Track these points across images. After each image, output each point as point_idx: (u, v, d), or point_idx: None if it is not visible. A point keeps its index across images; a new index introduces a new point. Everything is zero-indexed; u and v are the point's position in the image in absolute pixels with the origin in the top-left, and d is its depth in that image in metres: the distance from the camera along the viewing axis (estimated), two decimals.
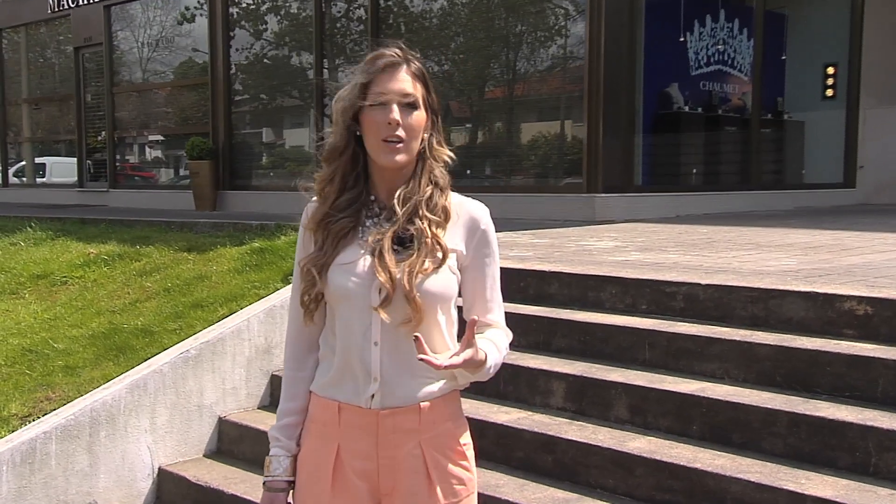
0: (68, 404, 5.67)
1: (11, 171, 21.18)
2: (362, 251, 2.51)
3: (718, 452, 4.36)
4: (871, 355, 4.42)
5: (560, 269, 6.08)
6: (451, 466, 2.59)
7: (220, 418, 6.04)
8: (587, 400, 4.99)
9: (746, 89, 13.22)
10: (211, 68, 15.45)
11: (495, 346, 2.60)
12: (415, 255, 2.46)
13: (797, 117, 14.29)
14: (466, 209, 2.61)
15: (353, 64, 2.59)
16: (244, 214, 12.41)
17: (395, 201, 2.51)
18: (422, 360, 2.30)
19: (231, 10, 15.29)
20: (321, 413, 2.61)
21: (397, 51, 2.53)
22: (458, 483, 2.59)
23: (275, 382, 6.15)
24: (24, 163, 21.20)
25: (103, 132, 18.11)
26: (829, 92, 14.26)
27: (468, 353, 2.36)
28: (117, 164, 18.13)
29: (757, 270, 5.85)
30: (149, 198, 16.65)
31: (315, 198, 2.62)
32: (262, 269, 7.42)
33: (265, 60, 15.31)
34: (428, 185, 2.55)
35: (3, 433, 5.60)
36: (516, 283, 6.14)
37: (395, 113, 2.46)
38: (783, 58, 13.90)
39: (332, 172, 2.57)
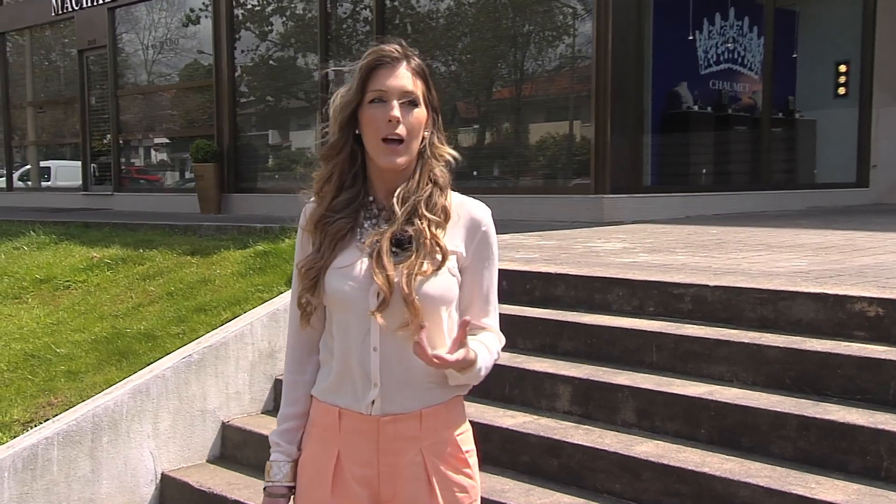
0: (70, 410, 5.64)
1: (16, 175, 21.17)
2: (360, 253, 2.47)
3: (727, 456, 4.31)
4: (883, 357, 4.36)
5: (566, 271, 6.03)
6: (453, 474, 2.54)
7: (223, 423, 6.00)
8: (594, 403, 4.95)
9: (757, 88, 13.13)
10: (215, 70, 15.42)
11: (486, 348, 2.51)
12: (413, 257, 2.41)
13: (809, 116, 14.19)
14: (467, 209, 2.56)
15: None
16: (249, 217, 12.39)
17: (394, 201, 2.46)
18: (416, 348, 2.27)
19: (236, 11, 15.26)
20: (322, 418, 2.57)
21: (397, 47, 2.48)
22: (461, 491, 2.55)
23: (278, 387, 6.11)
24: (28, 167, 21.18)
25: (108, 135, 18.08)
26: (842, 90, 14.16)
27: (460, 353, 2.31)
28: (122, 167, 18.11)
29: (767, 271, 5.80)
30: (154, 201, 16.63)
31: (313, 198, 2.57)
32: (266, 273, 7.39)
33: (270, 62, 15.27)
34: (427, 185, 2.49)
35: (4, 439, 5.57)
36: (522, 286, 6.11)
37: (396, 110, 2.41)
38: (794, 56, 13.81)
39: (329, 171, 2.52)
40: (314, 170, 2.57)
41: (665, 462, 4.29)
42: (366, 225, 2.51)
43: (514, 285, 6.11)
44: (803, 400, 4.43)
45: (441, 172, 2.53)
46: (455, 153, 2.57)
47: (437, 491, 2.50)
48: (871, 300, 4.69)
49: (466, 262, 2.54)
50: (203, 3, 15.85)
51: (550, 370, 5.18)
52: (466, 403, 2.72)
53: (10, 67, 21.09)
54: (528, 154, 12.19)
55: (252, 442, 5.77)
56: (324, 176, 2.53)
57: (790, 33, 13.72)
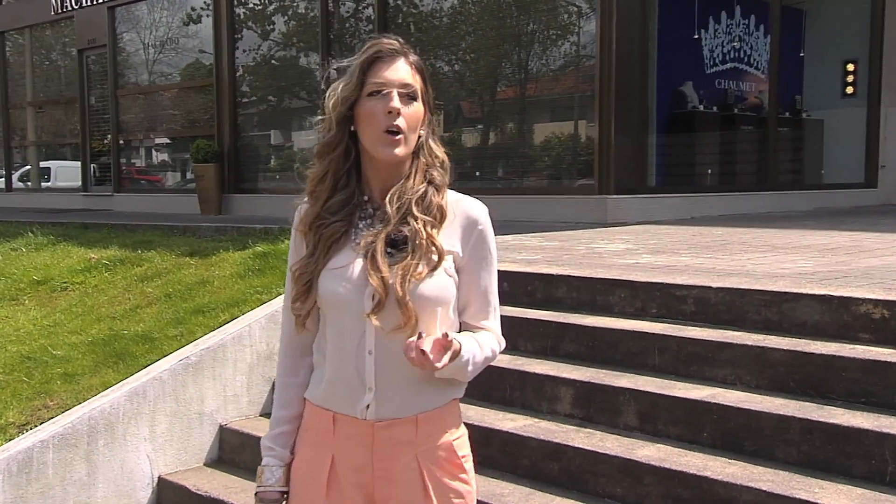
0: (66, 412, 5.59)
1: (16, 175, 21.13)
2: (355, 255, 2.43)
3: (729, 460, 4.27)
4: (888, 360, 4.32)
5: (568, 273, 5.99)
6: (448, 480, 2.50)
7: (221, 426, 5.95)
8: (595, 406, 4.91)
9: (763, 87, 13.08)
10: (216, 70, 15.38)
11: (477, 342, 2.46)
12: (409, 258, 2.37)
13: (816, 115, 14.13)
14: (463, 208, 2.51)
15: None
16: (249, 218, 12.35)
17: (389, 200, 2.42)
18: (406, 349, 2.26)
19: (237, 10, 15.22)
20: (315, 422, 2.53)
21: (396, 41, 2.46)
22: (457, 497, 2.51)
23: None
24: (28, 167, 21.15)
25: (108, 136, 18.04)
26: (850, 89, 14.10)
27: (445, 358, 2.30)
28: (122, 167, 18.07)
29: (771, 273, 5.75)
30: (154, 202, 16.60)
31: (306, 198, 2.53)
32: (265, 274, 7.36)
33: (272, 61, 15.24)
34: (422, 183, 2.46)
35: (0, 442, 5.51)
36: (523, 287, 6.07)
37: (396, 101, 2.38)
38: (801, 54, 13.76)
39: (324, 169, 2.48)
40: (308, 167, 2.53)
41: (667, 466, 4.25)
42: (360, 225, 2.47)
43: (516, 287, 6.07)
44: (807, 403, 4.39)
45: (437, 172, 2.49)
46: (445, 156, 2.53)
47: (433, 496, 2.46)
48: (877, 302, 4.63)
49: (463, 262, 2.49)
50: (204, 2, 15.81)
51: (551, 373, 5.14)
52: (466, 406, 2.68)
53: (9, 67, 21.05)
54: (531, 154, 12.14)
55: (250, 445, 5.72)
56: (318, 175, 2.49)
57: (797, 32, 13.65)
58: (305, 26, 14.55)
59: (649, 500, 4.27)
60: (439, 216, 2.44)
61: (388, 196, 2.43)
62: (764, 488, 3.93)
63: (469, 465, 2.57)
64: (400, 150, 2.40)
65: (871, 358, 4.37)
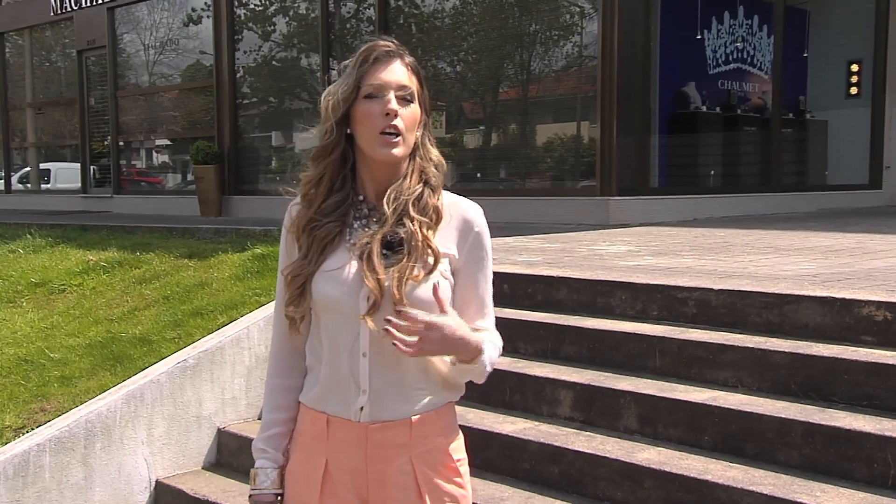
0: (63, 416, 5.57)
1: (15, 177, 21.10)
2: (349, 256, 2.40)
3: (730, 464, 4.25)
4: (891, 363, 4.29)
5: (569, 275, 5.96)
6: (443, 483, 2.47)
7: (219, 429, 5.92)
8: (595, 409, 4.88)
9: (767, 88, 13.03)
10: (216, 71, 15.35)
11: (492, 343, 2.47)
12: (405, 260, 2.35)
13: (820, 116, 14.07)
14: (459, 210, 2.49)
15: None
16: (249, 220, 12.33)
17: (386, 200, 2.40)
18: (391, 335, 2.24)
19: (237, 11, 15.19)
20: (309, 425, 2.51)
21: (392, 42, 2.44)
22: (451, 500, 2.49)
23: None
24: (28, 169, 21.12)
25: (107, 137, 18.00)
26: (854, 90, 14.03)
27: (447, 319, 2.30)
28: (122, 169, 18.04)
29: (773, 275, 5.72)
30: (154, 204, 16.56)
31: (298, 198, 2.51)
32: (264, 276, 7.33)
33: (272, 62, 15.20)
34: (419, 184, 2.43)
35: None
36: (524, 289, 6.04)
37: (393, 102, 2.36)
38: (805, 55, 13.70)
39: (320, 173, 2.45)
40: (301, 170, 2.51)
41: (667, 469, 4.22)
42: (355, 225, 2.45)
43: (516, 289, 6.04)
44: (809, 406, 4.36)
45: (433, 173, 2.47)
46: (441, 157, 2.52)
47: (427, 500, 2.44)
48: (880, 304, 4.60)
49: (459, 265, 2.47)
50: (205, 3, 15.78)
51: (552, 375, 5.11)
52: (466, 409, 2.66)
53: (9, 68, 21.03)
54: (533, 155, 12.11)
55: (248, 449, 5.62)
56: (313, 178, 2.47)
57: (801, 32, 13.60)
58: (306, 27, 14.52)
59: None
60: (435, 217, 2.42)
61: (385, 196, 2.41)
62: (765, 492, 3.90)
63: (465, 468, 2.55)
64: (398, 151, 2.38)
65: (873, 360, 4.34)
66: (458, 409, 2.58)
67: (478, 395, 4.91)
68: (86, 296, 8.12)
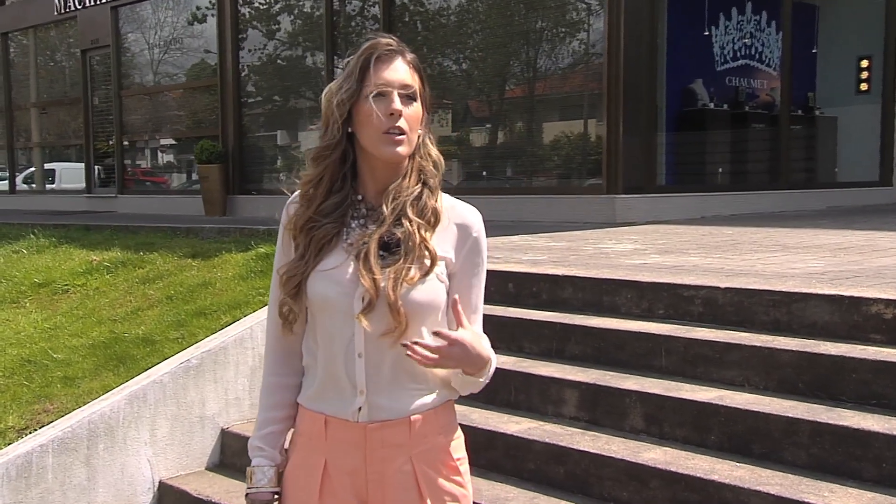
0: (66, 416, 5.55)
1: (20, 177, 21.10)
2: (346, 255, 2.39)
3: (737, 464, 4.22)
4: None
5: (574, 273, 5.93)
6: (443, 482, 2.46)
7: (222, 430, 5.90)
8: (601, 409, 4.85)
9: (775, 84, 12.99)
10: (220, 70, 15.34)
11: (492, 353, 2.46)
12: (401, 261, 2.33)
13: (829, 113, 14.03)
14: (458, 213, 2.48)
15: None
16: (254, 219, 12.31)
17: (385, 199, 2.38)
18: (410, 350, 2.25)
19: (242, 10, 15.18)
20: (308, 426, 2.50)
21: (393, 40, 2.42)
22: (452, 500, 2.48)
23: None
24: (33, 169, 21.12)
25: (112, 137, 17.99)
26: (864, 86, 13.97)
27: (466, 334, 2.30)
28: (127, 169, 18.03)
29: (781, 273, 5.69)
30: (158, 203, 16.55)
31: (296, 194, 2.49)
32: (268, 276, 7.24)
33: (277, 61, 15.19)
34: (417, 184, 2.42)
35: None
36: (529, 288, 6.01)
37: (397, 102, 2.34)
38: (814, 51, 13.67)
39: (320, 173, 2.44)
40: (301, 169, 2.48)
41: (673, 469, 4.19)
42: (353, 225, 2.43)
43: (521, 288, 6.01)
44: (817, 405, 4.32)
45: (432, 173, 2.45)
46: (440, 156, 2.50)
47: (427, 500, 2.43)
48: (889, 302, 4.57)
49: (455, 269, 2.46)
50: (209, 2, 15.78)
51: (557, 375, 5.08)
52: (470, 409, 2.63)
53: (13, 68, 21.02)
54: (539, 153, 12.07)
55: None
56: (314, 178, 2.45)
57: (810, 28, 13.55)
58: (311, 25, 14.49)
59: None
60: (433, 219, 2.41)
61: (385, 195, 2.39)
62: (772, 492, 3.87)
63: (465, 467, 2.54)
64: (403, 149, 2.37)
65: (882, 359, 4.30)
66: (461, 408, 2.56)
67: (482, 394, 4.82)
68: (89, 296, 8.10)
